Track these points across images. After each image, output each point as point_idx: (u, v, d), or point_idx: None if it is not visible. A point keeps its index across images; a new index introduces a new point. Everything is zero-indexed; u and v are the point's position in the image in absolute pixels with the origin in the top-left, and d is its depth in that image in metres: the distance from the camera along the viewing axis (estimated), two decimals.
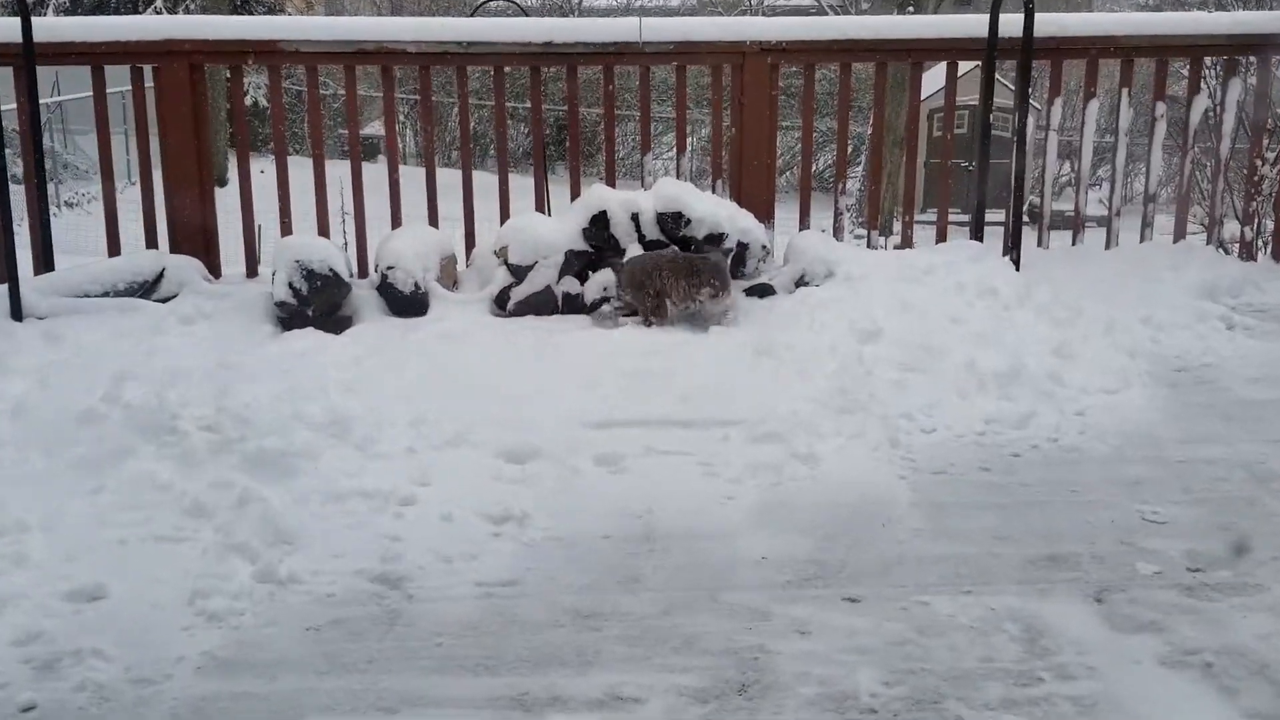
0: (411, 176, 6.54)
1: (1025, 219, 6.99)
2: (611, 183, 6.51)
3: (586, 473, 3.97)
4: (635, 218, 6.04)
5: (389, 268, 5.79)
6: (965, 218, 9.74)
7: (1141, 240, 6.68)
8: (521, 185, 7.23)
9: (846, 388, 4.69)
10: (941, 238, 6.60)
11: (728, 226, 6.04)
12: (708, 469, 4.00)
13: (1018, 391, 4.66)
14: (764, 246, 6.05)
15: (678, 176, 6.58)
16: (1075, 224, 6.72)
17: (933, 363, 4.81)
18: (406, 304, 5.75)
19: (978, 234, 6.36)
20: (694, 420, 4.46)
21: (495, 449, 4.18)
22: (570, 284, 6.00)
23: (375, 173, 6.77)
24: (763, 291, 5.87)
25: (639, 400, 4.64)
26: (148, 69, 6.26)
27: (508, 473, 4.03)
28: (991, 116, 6.14)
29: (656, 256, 5.67)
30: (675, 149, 6.81)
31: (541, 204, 6.74)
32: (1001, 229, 6.62)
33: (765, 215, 6.44)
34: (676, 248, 5.87)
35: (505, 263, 5.99)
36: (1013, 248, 6.22)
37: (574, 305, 5.97)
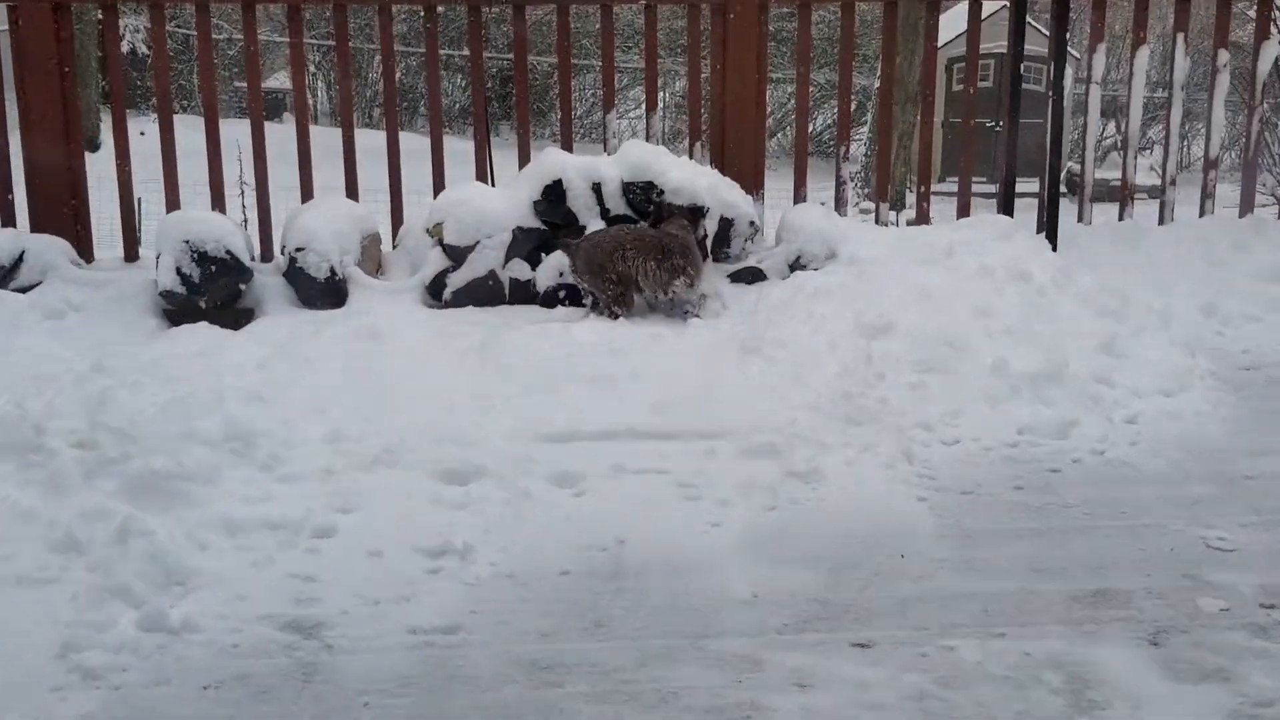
0: (326, 139, 6.52)
1: (1063, 189, 7.07)
2: (568, 146, 6.51)
3: (542, 496, 3.99)
4: (597, 188, 6.08)
5: (299, 249, 5.77)
6: (992, 188, 9.81)
7: (1201, 214, 6.77)
8: (459, 150, 7.22)
9: (852, 392, 4.74)
10: (964, 212, 6.63)
11: (708, 199, 6.07)
12: (688, 490, 4.04)
13: (1057, 395, 4.73)
14: (752, 223, 6.14)
15: (648, 139, 6.60)
16: (1122, 195, 6.74)
17: (955, 362, 4.89)
18: (321, 293, 5.75)
19: (1007, 207, 6.40)
20: (671, 432, 4.45)
21: (431, 468, 4.17)
22: (519, 268, 6.02)
23: (281, 135, 6.76)
24: (751, 276, 5.94)
25: (604, 409, 4.65)
26: (0, 8, 6.19)
27: (447, 496, 4.02)
28: (1022, 67, 6.13)
29: (618, 233, 5.70)
30: (644, 106, 6.82)
31: (484, 172, 6.76)
32: (1035, 201, 6.70)
33: (753, 185, 6.49)
34: (645, 223, 5.92)
35: (440, 243, 5.99)
36: (1048, 223, 6.27)
37: (524, 294, 5.99)
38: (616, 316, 5.45)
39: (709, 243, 6.03)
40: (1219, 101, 6.76)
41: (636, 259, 5.46)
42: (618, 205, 6.07)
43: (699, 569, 3.63)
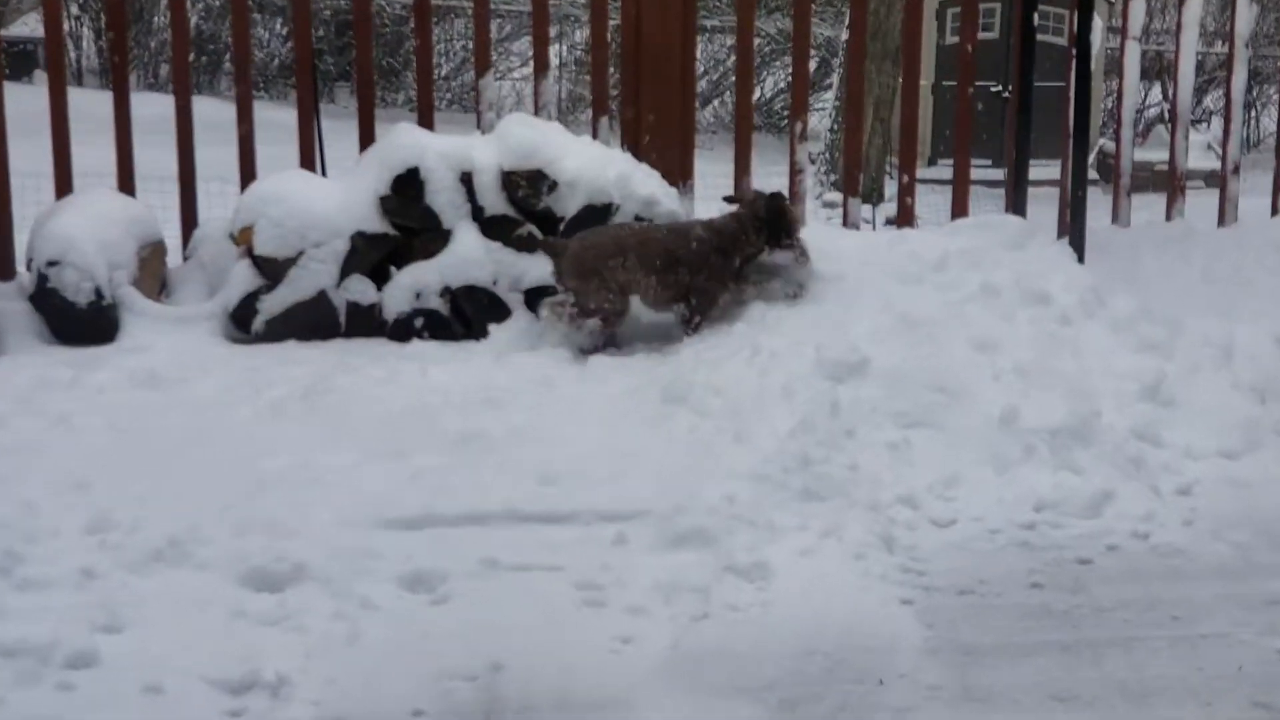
0: (92, 106, 6.41)
1: (1092, 176, 7.12)
2: (428, 121, 6.53)
3: (387, 605, 3.94)
4: (468, 180, 6.12)
5: (51, 263, 5.72)
6: (998, 175, 9.87)
7: (1275, 212, 6.94)
8: (277, 122, 7.14)
9: (812, 456, 4.74)
10: (961, 210, 6.70)
11: (617, 193, 6.16)
12: (589, 594, 4.03)
13: (1085, 458, 4.79)
14: None
15: (537, 111, 6.60)
16: (1171, 184, 6.80)
17: (950, 413, 4.97)
18: (82, 324, 5.70)
19: (1018, 203, 6.47)
20: (565, 512, 4.47)
21: (234, 568, 4.08)
22: (360, 288, 6.05)
23: (28, 99, 6.62)
24: None
25: (475, 481, 4.65)
26: None
27: (255, 608, 3.89)
28: (1037, 15, 6.17)
29: (619, 232, 5.88)
30: (532, 66, 6.85)
31: (311, 155, 6.76)
32: (1055, 193, 6.74)
33: (678, 173, 6.53)
34: (534, 227, 6.04)
35: (250, 254, 5.99)
36: (1073, 225, 6.33)
37: (366, 322, 6.02)
38: (602, 340, 5.76)
39: None
40: None
41: (636, 271, 5.74)
42: (496, 202, 6.16)
43: (604, 706, 3.57)
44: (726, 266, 5.87)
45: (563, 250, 5.81)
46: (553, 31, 16.23)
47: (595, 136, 6.54)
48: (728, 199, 6.17)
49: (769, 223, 5.91)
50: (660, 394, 5.20)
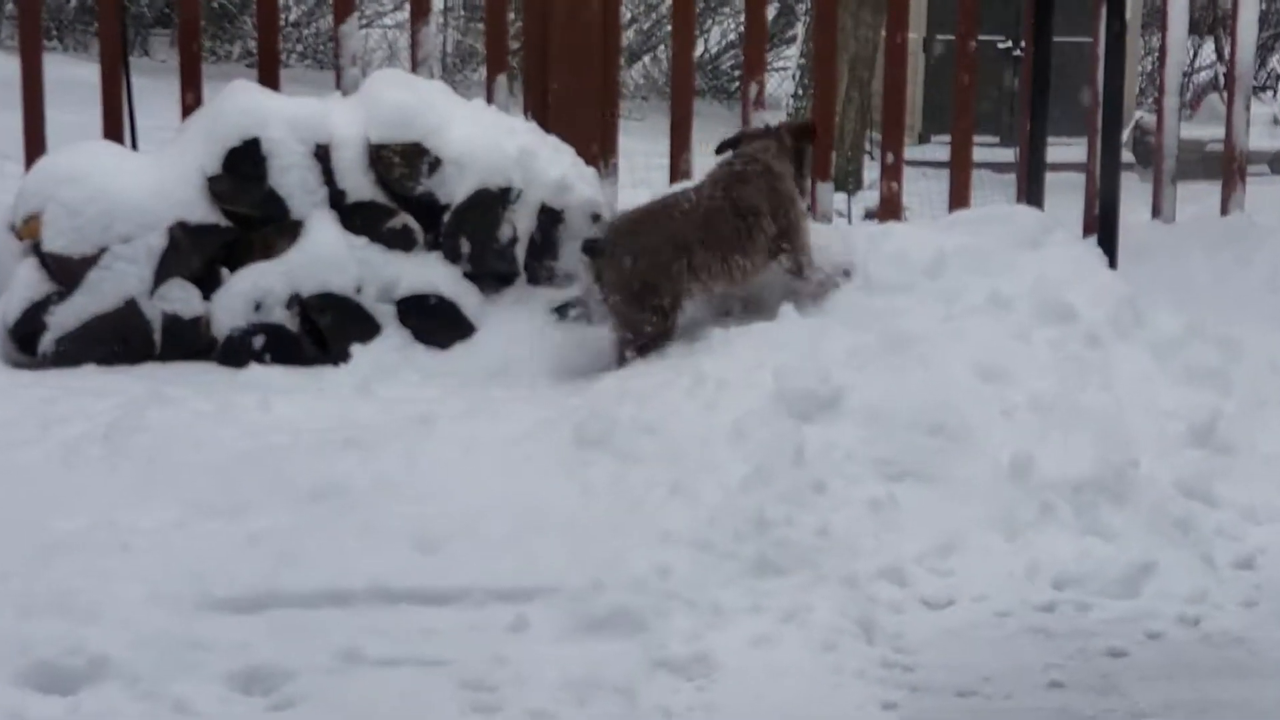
0: None
1: (1128, 158, 7.13)
2: (271, 80, 6.56)
3: (213, 711, 3.85)
4: (324, 156, 6.14)
5: None
6: (1008, 155, 9.78)
7: None
8: (74, 80, 7.05)
9: (770, 516, 4.74)
10: (961, 200, 6.78)
11: (518, 174, 6.20)
12: (481, 696, 3.97)
13: (1119, 521, 4.83)
14: (596, 215, 6.36)
15: (415, 68, 6.67)
16: (1227, 169, 6.91)
17: (947, 460, 5.01)
18: None
19: (1033, 192, 6.56)
20: (449, 589, 4.46)
21: (13, 661, 3.98)
22: (181, 296, 6.04)
23: None
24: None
25: (333, 548, 4.61)
26: None
27: (40, 715, 3.81)
28: None
29: (665, 216, 5.98)
30: (410, 9, 6.94)
31: (119, 123, 6.74)
32: (1081, 179, 6.81)
33: (598, 150, 6.57)
34: (411, 218, 6.10)
35: (37, 251, 5.96)
36: (1102, 219, 6.41)
37: (189, 340, 6.00)
38: (625, 361, 5.87)
39: (519, 250, 6.21)
40: None
41: (709, 261, 5.95)
42: (361, 185, 6.20)
43: None
44: (797, 189, 6.12)
45: (606, 251, 5.89)
46: None
47: (490, 101, 6.56)
48: (721, 147, 6.28)
49: (798, 155, 6.19)
50: (574, 434, 5.21)
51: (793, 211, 6.11)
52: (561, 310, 6.21)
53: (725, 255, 5.96)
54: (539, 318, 6.22)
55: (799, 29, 20.13)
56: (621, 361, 5.90)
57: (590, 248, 5.98)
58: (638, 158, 6.98)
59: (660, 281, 5.85)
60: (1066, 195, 6.70)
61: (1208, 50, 22.34)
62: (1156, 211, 6.85)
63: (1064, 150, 7.46)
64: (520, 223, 6.21)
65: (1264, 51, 21.49)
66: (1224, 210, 6.86)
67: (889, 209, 6.82)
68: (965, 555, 4.73)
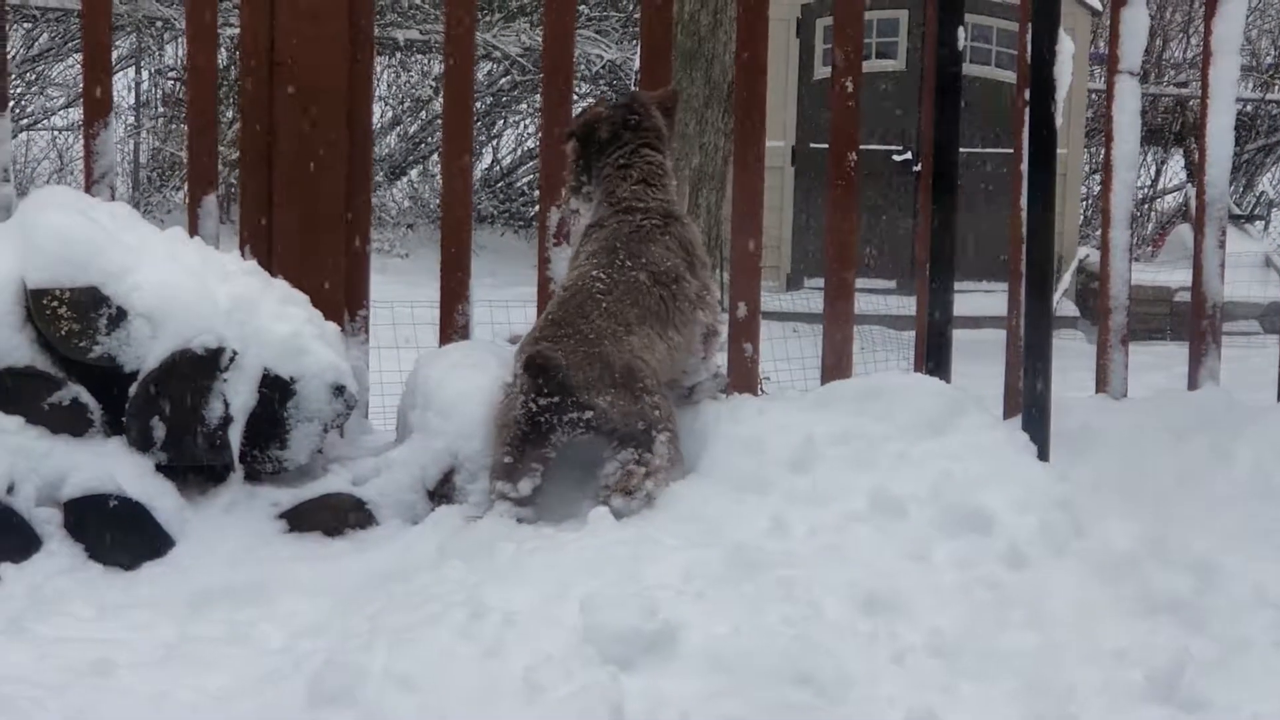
0: None
1: (1070, 310, 6.72)
2: None
3: None
4: None
5: None
6: (903, 305, 9.25)
7: None
8: None
9: None
10: (839, 367, 6.66)
11: (231, 333, 5.79)
12: None
13: None
14: (339, 389, 6.01)
15: (90, 185, 6.45)
16: (1195, 326, 6.79)
17: None
18: None
19: (935, 355, 6.29)
20: None
21: None
22: None
23: None
24: (337, 520, 5.93)
25: None
26: None
27: None
28: (964, 31, 6.17)
29: (593, 295, 5.82)
30: (83, 103, 6.58)
31: None
32: (1000, 338, 6.48)
33: (342, 298, 6.43)
34: (85, 390, 5.74)
35: None
36: (1028, 394, 6.06)
37: None
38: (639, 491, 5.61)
39: (234, 434, 5.78)
40: None
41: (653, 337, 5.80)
42: (12, 344, 5.69)
43: None
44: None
45: (557, 358, 5.66)
46: (123, 46, 15.14)
47: (195, 231, 6.24)
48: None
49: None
50: (306, 689, 4.58)
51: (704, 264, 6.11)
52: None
53: (661, 334, 5.88)
54: (261, 526, 5.77)
55: None
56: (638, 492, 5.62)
57: (536, 359, 5.70)
58: (400, 307, 6.50)
59: (635, 363, 5.72)
60: (983, 361, 6.41)
61: (1176, 166, 21.58)
62: (1104, 382, 6.45)
63: (980, 299, 6.79)
64: (236, 397, 5.67)
65: (1249, 170, 20.66)
66: (1193, 383, 6.51)
67: (741, 379, 6.42)
68: None
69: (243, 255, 6.27)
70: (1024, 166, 6.01)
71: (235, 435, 5.80)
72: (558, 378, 5.69)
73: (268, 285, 6.00)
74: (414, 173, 22.08)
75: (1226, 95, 6.53)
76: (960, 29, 6.15)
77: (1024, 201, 6.04)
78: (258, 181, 6.19)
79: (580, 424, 5.76)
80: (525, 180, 21.79)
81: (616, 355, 5.75)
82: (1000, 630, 4.86)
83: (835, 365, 6.53)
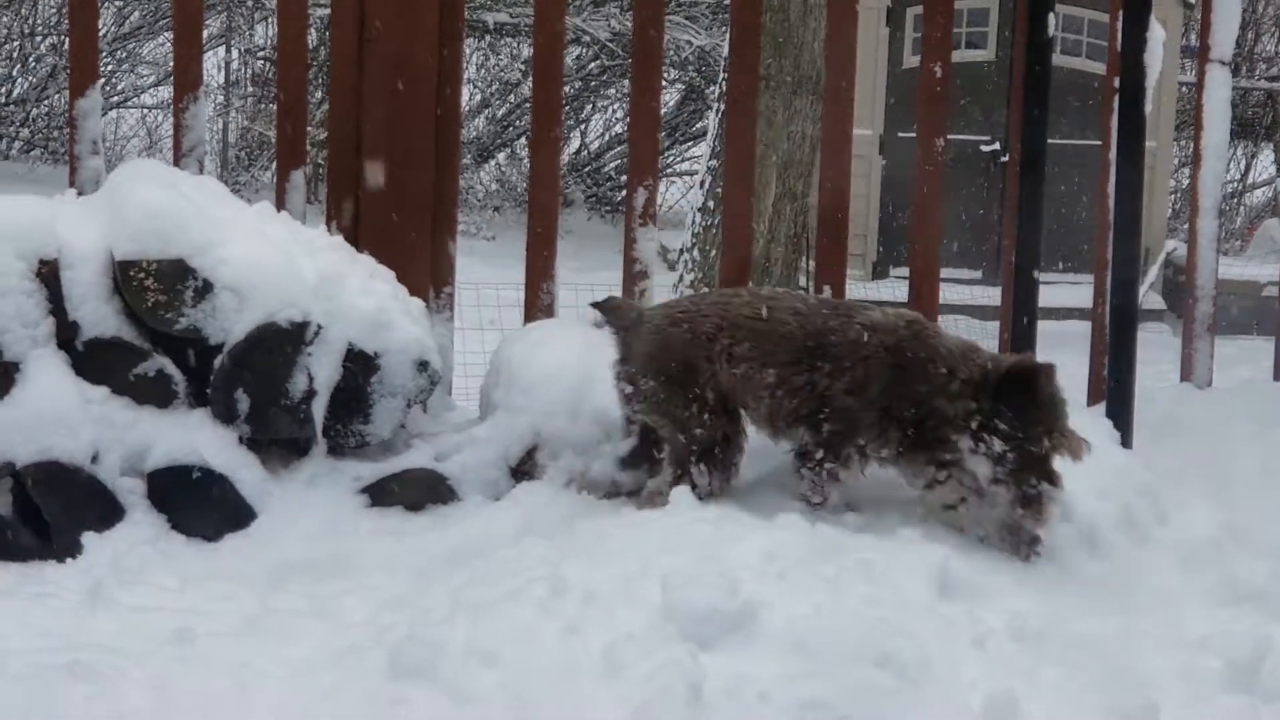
0: None
1: (1155, 302, 6.74)
2: None
3: None
4: (51, 276, 5.78)
5: None
6: (989, 296, 9.72)
7: None
8: None
9: None
10: None
11: (317, 307, 5.87)
12: None
13: None
14: (423, 364, 6.08)
15: (178, 160, 6.44)
16: None
17: (899, 703, 4.53)
18: None
19: (1020, 343, 6.27)
20: None
21: None
22: None
23: None
24: (419, 493, 5.95)
25: None
26: None
27: None
28: (1053, 18, 6.19)
29: (715, 304, 5.74)
30: (173, 76, 6.52)
31: None
32: (1084, 329, 6.60)
33: (428, 276, 6.45)
34: (170, 362, 5.81)
35: None
36: (1113, 383, 6.07)
37: None
38: (697, 488, 5.57)
39: (318, 408, 5.84)
40: None
41: (752, 363, 5.59)
42: (99, 316, 5.75)
43: None
44: (897, 396, 5.52)
45: (634, 329, 5.70)
46: (213, 25, 15.45)
47: (282, 207, 6.22)
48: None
49: (1001, 392, 5.44)
50: (387, 662, 4.65)
51: (856, 403, 5.58)
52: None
53: (764, 364, 5.60)
54: (343, 500, 5.82)
55: (710, 120, 19.55)
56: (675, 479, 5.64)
57: (610, 309, 5.85)
58: (485, 289, 6.59)
59: (699, 367, 5.61)
60: (1068, 350, 6.23)
61: (1266, 161, 21.51)
62: (1189, 373, 6.51)
63: (1064, 290, 6.80)
64: (320, 371, 5.78)
65: None
66: (1278, 374, 6.58)
67: None
68: None
69: (330, 232, 6.33)
70: (1112, 154, 6.03)
71: (319, 409, 5.88)
72: (626, 344, 5.75)
73: (354, 260, 6.07)
74: (501, 156, 22.11)
75: None
76: (1050, 16, 6.16)
77: (1110, 190, 6.06)
78: (345, 158, 6.23)
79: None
80: (613, 165, 21.78)
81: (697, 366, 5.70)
82: (1081, 616, 4.92)
83: None
